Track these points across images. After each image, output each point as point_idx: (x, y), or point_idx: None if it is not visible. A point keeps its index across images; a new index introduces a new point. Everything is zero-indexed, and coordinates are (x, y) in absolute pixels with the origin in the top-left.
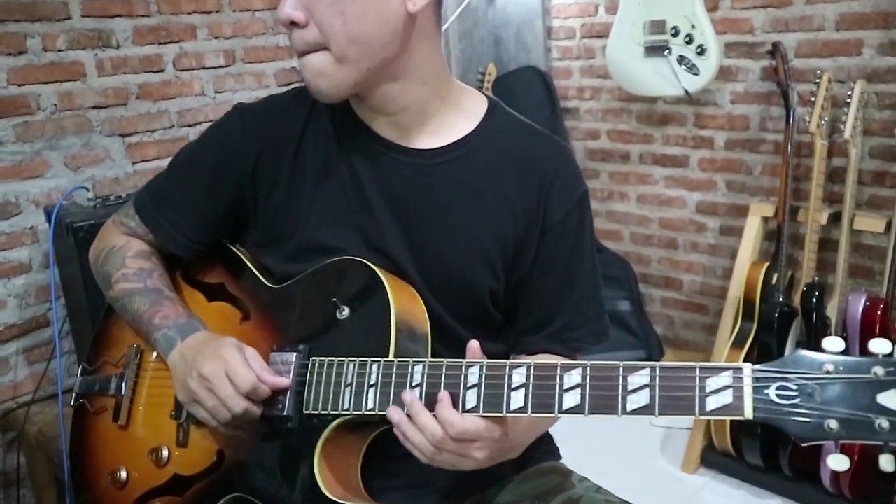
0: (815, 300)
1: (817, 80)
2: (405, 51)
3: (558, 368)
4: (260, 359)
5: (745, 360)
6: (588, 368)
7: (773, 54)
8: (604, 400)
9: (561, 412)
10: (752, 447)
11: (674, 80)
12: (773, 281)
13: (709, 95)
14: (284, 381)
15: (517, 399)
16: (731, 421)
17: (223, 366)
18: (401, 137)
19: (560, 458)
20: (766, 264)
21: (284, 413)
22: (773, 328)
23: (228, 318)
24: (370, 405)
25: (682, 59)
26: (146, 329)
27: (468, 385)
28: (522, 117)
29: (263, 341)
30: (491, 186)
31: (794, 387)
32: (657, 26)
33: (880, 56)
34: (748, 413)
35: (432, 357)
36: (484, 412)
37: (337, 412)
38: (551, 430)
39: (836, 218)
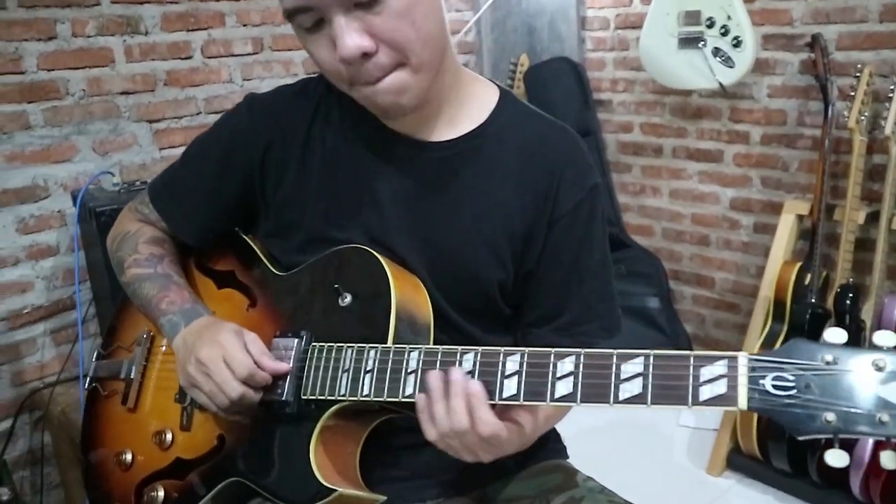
0: (849, 302)
1: (858, 74)
2: (447, 38)
3: (552, 356)
4: (260, 343)
5: None
6: (582, 356)
7: (812, 46)
8: (596, 388)
9: (553, 400)
10: (779, 451)
11: (708, 73)
12: (807, 281)
13: (745, 89)
14: (283, 366)
15: (510, 387)
16: (758, 423)
17: (220, 351)
18: (415, 130)
19: (567, 456)
20: (799, 264)
21: (283, 398)
22: (805, 330)
23: (236, 304)
24: (366, 391)
25: (717, 52)
26: (154, 314)
27: (465, 371)
28: (534, 107)
29: (268, 327)
30: (501, 178)
31: (791, 377)
32: (692, 17)
33: None
34: (742, 403)
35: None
36: None
37: (333, 398)
38: (561, 429)
39: (874, 217)
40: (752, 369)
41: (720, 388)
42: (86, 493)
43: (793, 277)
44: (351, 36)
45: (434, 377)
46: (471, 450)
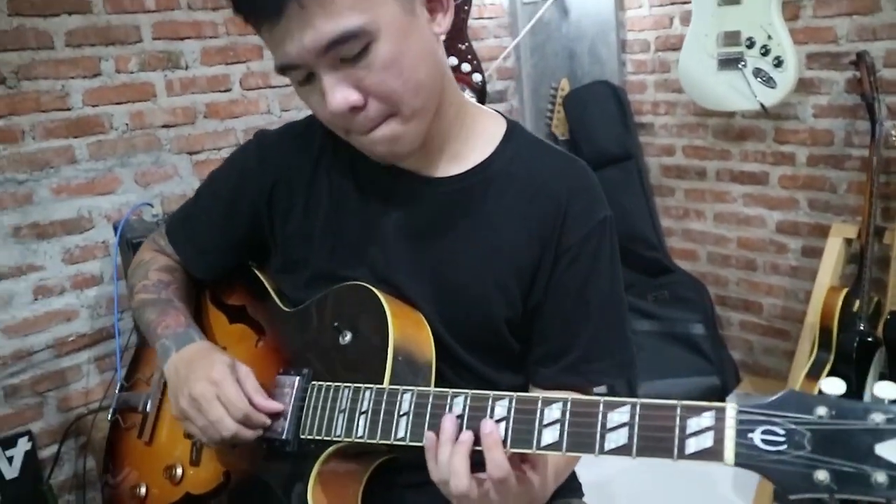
0: None
1: None
2: (443, 77)
3: (539, 402)
4: (253, 379)
5: (821, 393)
6: (569, 403)
7: (857, 64)
8: (582, 438)
9: (539, 448)
10: None
11: (749, 94)
12: (855, 307)
13: (789, 109)
14: (275, 405)
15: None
16: None
17: (215, 389)
18: (420, 167)
19: (582, 494)
20: (846, 290)
21: (283, 437)
22: (853, 359)
23: (246, 339)
24: (360, 432)
25: (757, 72)
26: (152, 339)
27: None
28: (544, 139)
29: (273, 363)
30: (507, 213)
31: (782, 431)
32: (731, 38)
33: None
34: (728, 458)
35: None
36: None
37: (330, 438)
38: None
39: None
40: (741, 422)
41: (706, 441)
42: None
43: (839, 304)
44: (340, 91)
45: (450, 421)
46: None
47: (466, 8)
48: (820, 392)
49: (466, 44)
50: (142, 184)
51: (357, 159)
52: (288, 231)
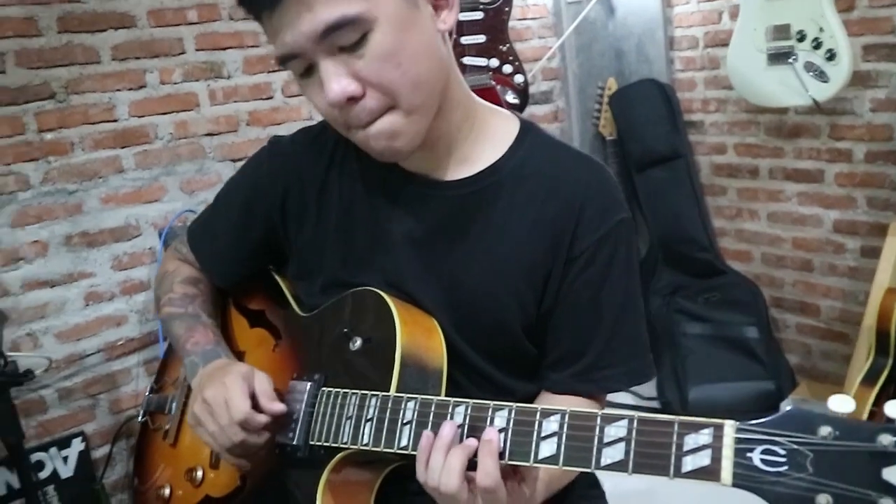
0: None
1: None
2: (448, 75)
3: (538, 413)
4: (267, 385)
5: (877, 399)
6: (567, 415)
7: None
8: (578, 452)
9: (536, 461)
10: None
11: (800, 89)
12: None
13: (845, 104)
14: (279, 407)
15: None
16: None
17: (224, 393)
18: (428, 169)
19: (605, 502)
20: None
21: (294, 442)
22: None
23: (264, 344)
24: (365, 440)
25: (809, 66)
26: (181, 354)
27: (456, 425)
28: (558, 139)
29: (288, 368)
30: (519, 216)
31: (783, 451)
32: (781, 31)
33: None
34: (726, 479)
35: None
36: None
37: (337, 445)
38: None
39: None
40: (740, 440)
41: (703, 459)
42: None
43: None
44: (338, 80)
45: (449, 428)
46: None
47: (507, 9)
48: (887, 419)
49: (507, 45)
50: (187, 191)
51: (366, 164)
52: (301, 237)
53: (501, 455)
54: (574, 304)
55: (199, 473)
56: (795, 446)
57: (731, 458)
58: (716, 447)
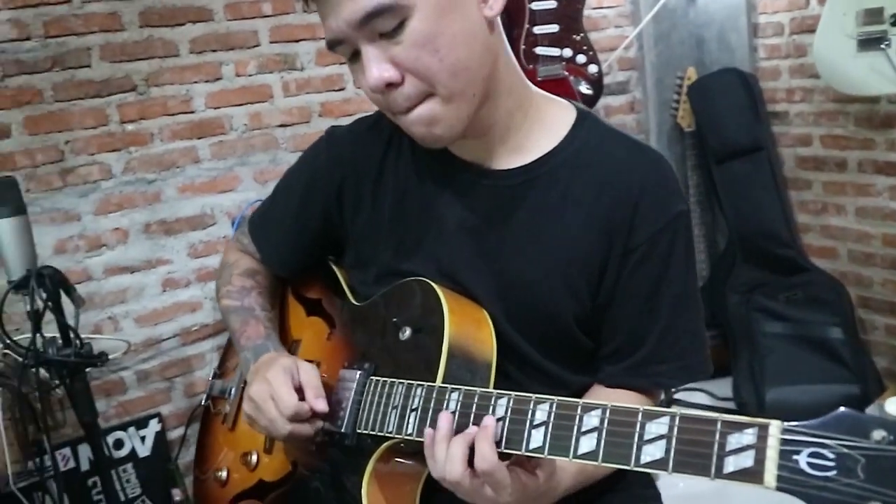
0: None
1: None
2: (495, 63)
3: (579, 408)
4: (313, 376)
5: None
6: (608, 410)
7: None
8: (618, 448)
9: (575, 457)
10: None
11: (893, 76)
12: None
13: None
14: (321, 405)
15: (536, 438)
16: None
17: (268, 389)
18: (481, 158)
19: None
20: None
21: (342, 430)
22: None
23: (319, 332)
24: (409, 430)
25: None
26: (236, 347)
27: (496, 418)
28: (617, 128)
29: (340, 357)
30: (574, 206)
31: (832, 455)
32: (872, 15)
33: None
34: (769, 481)
35: (512, 390)
36: (505, 448)
37: (383, 434)
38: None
39: None
40: (786, 441)
41: (746, 460)
42: None
43: None
44: (377, 66)
45: (446, 419)
46: (475, 491)
47: None
48: (879, 412)
49: (581, 34)
50: (260, 181)
51: (420, 153)
52: (357, 226)
53: (541, 450)
54: (630, 297)
55: (254, 458)
56: (846, 450)
57: (776, 461)
58: (760, 448)
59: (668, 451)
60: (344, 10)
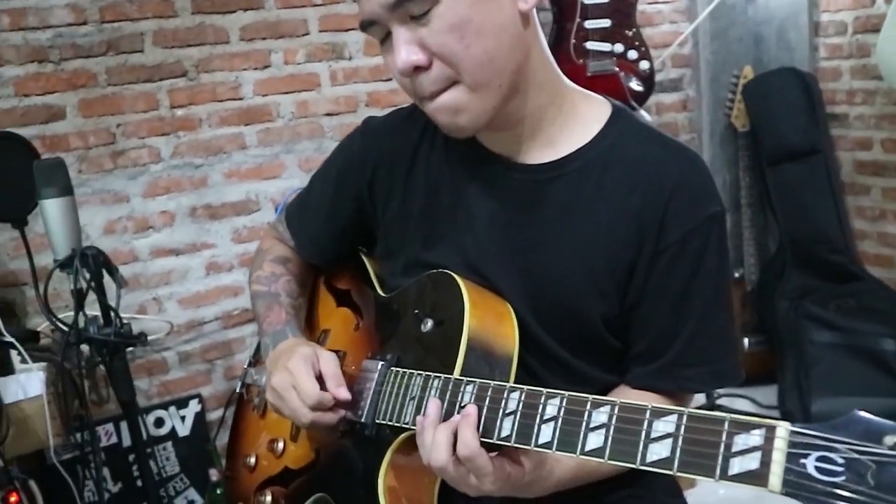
0: None
1: None
2: (526, 57)
3: (588, 403)
4: (334, 366)
5: None
6: (617, 407)
7: None
8: (625, 445)
9: (583, 453)
10: None
11: None
12: None
13: None
14: (343, 394)
15: (546, 433)
16: None
17: (290, 379)
18: (512, 152)
19: None
20: None
21: (362, 420)
22: None
23: (347, 323)
24: None
25: None
26: (259, 332)
27: (507, 411)
28: (652, 126)
29: (366, 348)
30: (605, 204)
31: (841, 460)
32: None
33: None
34: (775, 485)
35: (536, 386)
36: (515, 442)
37: (400, 424)
38: None
39: None
40: (794, 444)
41: (751, 462)
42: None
43: None
44: (406, 49)
45: (434, 405)
46: (461, 478)
47: None
48: None
49: (634, 30)
50: (305, 169)
51: (452, 145)
52: (388, 216)
53: (549, 446)
54: (660, 298)
55: (280, 445)
56: (856, 455)
57: (782, 463)
58: (766, 450)
59: (674, 450)
60: None
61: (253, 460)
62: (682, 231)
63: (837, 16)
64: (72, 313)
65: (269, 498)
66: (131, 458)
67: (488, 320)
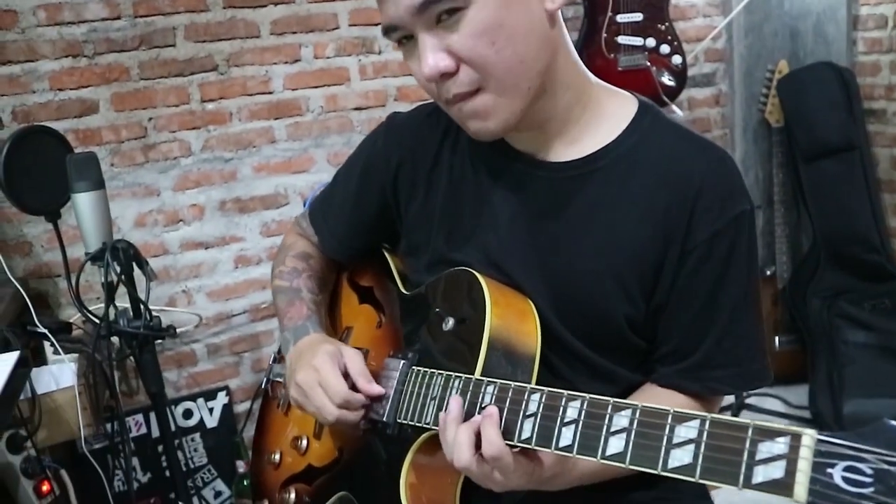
0: None
1: None
2: (553, 57)
3: (609, 407)
4: (359, 363)
5: None
6: (638, 411)
7: None
8: (646, 450)
9: (603, 458)
10: None
11: None
12: None
13: None
14: (376, 388)
15: (567, 436)
16: None
17: (316, 376)
18: (537, 150)
19: None
20: None
21: (384, 419)
22: None
23: (370, 320)
24: None
25: None
26: (280, 328)
27: (527, 413)
28: (680, 123)
29: (388, 346)
30: (630, 202)
31: (870, 471)
32: None
33: None
34: (800, 494)
35: (559, 387)
36: (536, 444)
37: (421, 424)
38: None
39: None
40: (820, 453)
41: (776, 471)
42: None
43: None
44: (433, 54)
45: (456, 403)
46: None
47: None
48: None
49: (667, 24)
50: (334, 164)
51: (475, 141)
52: (411, 213)
53: (570, 449)
54: (687, 299)
55: (304, 442)
56: (886, 466)
57: (808, 473)
58: (791, 459)
59: (696, 456)
60: None
61: (277, 457)
62: (710, 231)
63: (877, 9)
64: (103, 305)
65: (293, 495)
66: (160, 448)
67: (510, 318)
